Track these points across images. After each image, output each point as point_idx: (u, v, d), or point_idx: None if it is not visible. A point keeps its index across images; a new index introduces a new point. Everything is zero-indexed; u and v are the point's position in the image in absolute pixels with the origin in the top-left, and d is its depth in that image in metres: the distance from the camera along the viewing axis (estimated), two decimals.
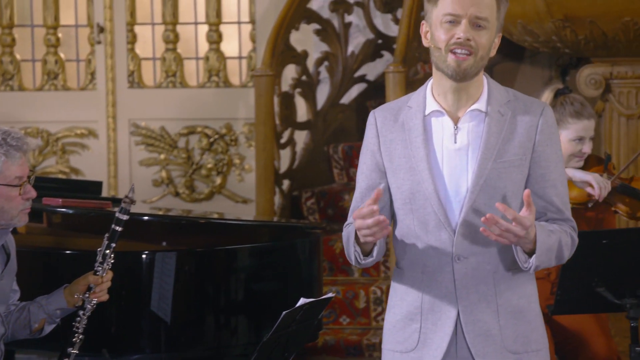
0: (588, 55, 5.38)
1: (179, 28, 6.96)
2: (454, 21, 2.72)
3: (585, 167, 3.92)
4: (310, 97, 6.26)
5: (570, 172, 3.81)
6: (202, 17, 6.93)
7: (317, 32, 6.30)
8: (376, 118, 2.87)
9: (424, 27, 2.80)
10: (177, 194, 6.99)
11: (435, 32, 2.75)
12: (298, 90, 6.20)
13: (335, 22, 6.33)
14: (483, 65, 2.77)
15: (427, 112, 2.80)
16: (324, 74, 6.39)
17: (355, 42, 6.51)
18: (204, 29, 6.95)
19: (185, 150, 6.96)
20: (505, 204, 2.71)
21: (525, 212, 2.66)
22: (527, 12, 5.19)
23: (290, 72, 6.25)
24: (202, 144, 6.94)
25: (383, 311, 5.67)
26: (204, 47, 6.96)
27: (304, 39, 6.41)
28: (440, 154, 2.78)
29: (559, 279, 3.46)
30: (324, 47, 6.38)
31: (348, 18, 6.37)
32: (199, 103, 6.90)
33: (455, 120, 2.79)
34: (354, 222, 2.71)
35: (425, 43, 2.80)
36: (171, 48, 6.95)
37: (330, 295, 3.36)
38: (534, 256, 2.70)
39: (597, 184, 3.81)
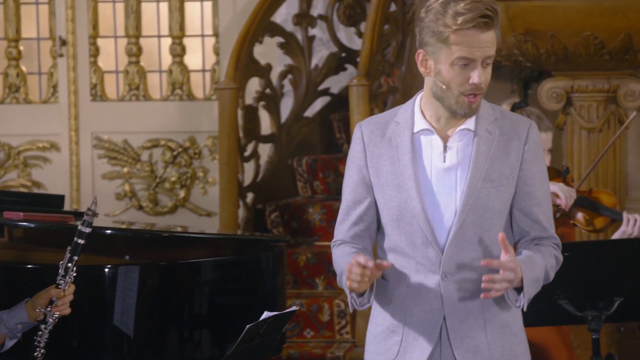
0: (549, 69, 5.42)
1: (142, 41, 6.94)
2: (467, 64, 2.72)
3: None
4: (274, 110, 6.26)
5: None
6: (165, 30, 6.92)
7: (281, 46, 6.31)
8: (363, 132, 2.86)
9: (420, 56, 2.77)
10: (140, 208, 6.96)
11: (445, 72, 2.73)
12: (262, 103, 6.20)
13: (299, 36, 6.34)
14: None
15: (415, 130, 2.81)
16: (287, 87, 6.39)
17: (319, 56, 6.52)
18: (167, 42, 6.93)
19: (148, 163, 6.93)
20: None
21: (506, 256, 2.69)
22: None
23: (254, 85, 6.25)
24: (165, 157, 6.92)
25: (347, 324, 5.67)
26: (167, 60, 6.95)
27: (268, 52, 6.42)
28: (429, 172, 2.79)
29: None
30: (288, 61, 6.39)
31: (312, 31, 6.39)
32: (163, 116, 6.89)
33: (445, 139, 2.80)
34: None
35: (423, 72, 2.79)
36: (134, 61, 6.93)
37: (294, 308, 3.35)
38: (522, 294, 2.74)
39: (563, 194, 3.84)
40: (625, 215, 3.90)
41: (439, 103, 2.78)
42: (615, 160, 5.36)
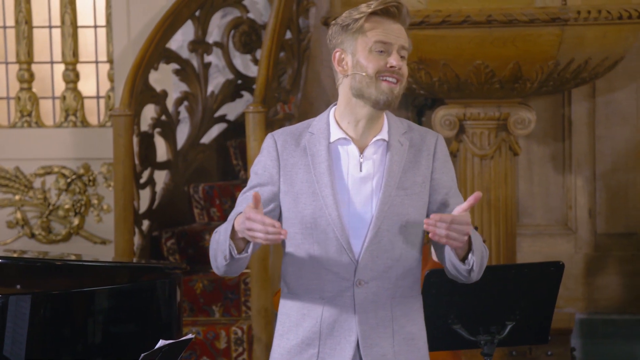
0: (442, 97, 5.51)
1: (34, 67, 6.84)
2: (384, 50, 2.81)
3: None
4: (170, 137, 6.23)
5: None
6: (58, 56, 6.84)
7: (177, 72, 6.29)
8: (276, 141, 2.88)
9: (337, 55, 2.85)
10: (32, 236, 6.84)
11: (363, 60, 2.81)
12: (158, 130, 6.16)
13: (195, 62, 6.32)
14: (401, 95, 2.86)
15: (332, 140, 2.86)
16: (183, 113, 6.36)
17: (215, 82, 6.51)
18: (60, 68, 6.85)
19: (41, 190, 6.82)
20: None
21: (463, 210, 2.71)
22: None
23: (149, 111, 6.21)
24: (59, 184, 6.82)
25: (244, 352, 5.65)
26: (60, 86, 6.86)
27: (163, 78, 6.39)
28: (346, 181, 2.83)
29: None
30: (184, 87, 6.37)
31: (207, 58, 6.38)
32: (56, 143, 6.79)
33: (361, 149, 2.85)
34: (243, 220, 2.68)
35: (340, 71, 2.85)
36: (26, 87, 6.83)
37: (190, 336, 3.33)
38: (471, 254, 2.78)
39: None
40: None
41: (360, 102, 2.83)
42: (506, 187, 5.47)
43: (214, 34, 6.52)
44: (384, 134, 2.87)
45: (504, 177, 5.45)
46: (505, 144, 5.43)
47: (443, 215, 2.69)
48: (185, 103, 6.32)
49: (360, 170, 2.84)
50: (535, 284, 3.60)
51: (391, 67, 2.80)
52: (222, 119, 6.51)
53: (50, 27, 6.86)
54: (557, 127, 6.17)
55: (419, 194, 2.86)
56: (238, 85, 6.53)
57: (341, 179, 2.84)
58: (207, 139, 6.47)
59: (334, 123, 2.87)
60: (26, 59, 6.80)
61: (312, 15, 6.30)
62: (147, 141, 6.05)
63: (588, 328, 6.09)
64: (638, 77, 6.10)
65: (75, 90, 6.82)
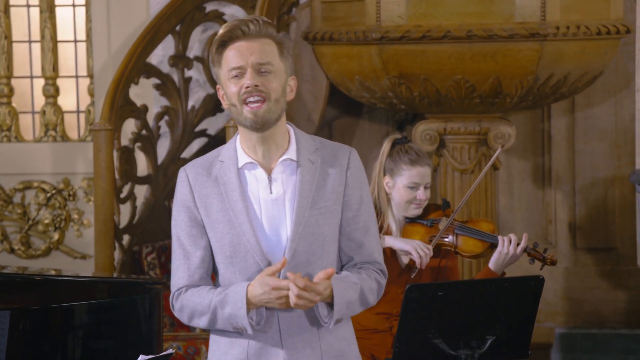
0: (423, 112, 5.52)
1: (13, 82, 6.83)
2: (239, 74, 2.79)
3: (425, 215, 4.00)
4: (150, 152, 6.22)
5: (390, 242, 3.87)
6: (37, 70, 6.82)
7: (157, 87, 6.28)
8: (188, 174, 2.88)
9: (220, 91, 2.86)
10: (12, 251, 6.81)
11: (227, 90, 2.81)
12: (138, 144, 6.15)
13: (175, 77, 6.32)
14: (282, 109, 2.83)
15: (240, 165, 2.85)
16: (164, 128, 6.36)
17: (196, 97, 6.51)
18: (40, 82, 6.84)
19: (20, 205, 6.80)
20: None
21: (325, 277, 2.74)
22: (364, 69, 5.32)
23: (130, 126, 6.20)
24: (38, 199, 6.79)
25: None
26: (40, 101, 6.85)
27: (144, 93, 6.38)
28: (258, 205, 2.82)
29: (397, 331, 3.52)
30: (164, 102, 6.36)
31: (188, 73, 6.38)
32: (36, 158, 6.77)
33: (269, 171, 2.84)
34: (267, 291, 2.72)
35: (224, 105, 2.86)
36: (5, 102, 6.81)
37: (170, 351, 3.32)
38: (333, 312, 2.79)
39: (416, 252, 3.85)
40: (500, 237, 3.98)
41: (243, 127, 2.83)
42: (486, 201, 5.48)
43: (194, 49, 6.52)
44: (291, 154, 2.86)
45: (484, 191, 5.47)
46: (486, 159, 5.45)
47: (297, 280, 2.71)
48: (166, 117, 6.32)
49: (271, 193, 2.83)
50: (516, 298, 3.61)
51: (246, 87, 2.78)
52: (203, 133, 6.50)
53: (30, 41, 6.85)
54: (536, 141, 6.20)
55: (333, 212, 2.85)
56: (219, 100, 6.53)
57: (253, 204, 2.82)
58: (187, 153, 6.47)
59: (240, 149, 2.87)
60: (6, 73, 6.79)
61: (293, 30, 6.31)
62: (127, 156, 6.04)
63: (568, 342, 6.11)
64: (616, 93, 6.14)
65: (55, 104, 6.81)
